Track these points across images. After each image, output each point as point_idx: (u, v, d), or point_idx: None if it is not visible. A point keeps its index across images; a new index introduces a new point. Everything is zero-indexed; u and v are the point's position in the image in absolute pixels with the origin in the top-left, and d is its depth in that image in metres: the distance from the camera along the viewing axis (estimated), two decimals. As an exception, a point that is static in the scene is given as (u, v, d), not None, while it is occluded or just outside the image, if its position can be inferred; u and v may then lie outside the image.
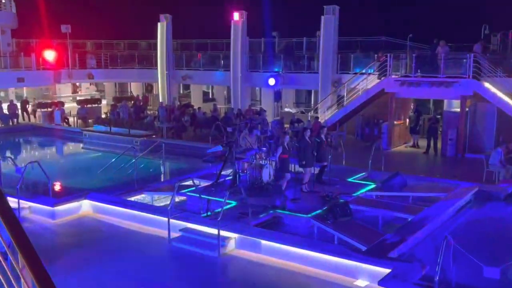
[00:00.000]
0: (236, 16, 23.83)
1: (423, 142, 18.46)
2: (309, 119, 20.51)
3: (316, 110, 22.11)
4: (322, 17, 21.32)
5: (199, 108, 23.72)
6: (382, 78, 18.85)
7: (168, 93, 26.64)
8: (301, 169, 11.89)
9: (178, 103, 27.14)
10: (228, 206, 9.95)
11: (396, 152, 17.91)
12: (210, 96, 31.23)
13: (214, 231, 8.50)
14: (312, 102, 26.58)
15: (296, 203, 10.50)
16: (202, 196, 9.98)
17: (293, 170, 11.96)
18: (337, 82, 21.07)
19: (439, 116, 19.12)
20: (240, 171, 11.63)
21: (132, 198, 11.16)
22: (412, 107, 19.00)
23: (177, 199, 11.25)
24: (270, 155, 12.06)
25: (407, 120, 19.06)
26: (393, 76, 18.37)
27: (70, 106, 26.28)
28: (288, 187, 11.17)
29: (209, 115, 22.80)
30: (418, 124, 18.71)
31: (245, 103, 24.33)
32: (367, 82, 19.60)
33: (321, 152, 11.82)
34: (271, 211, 9.86)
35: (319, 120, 19.75)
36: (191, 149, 16.87)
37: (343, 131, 19.89)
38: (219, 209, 8.69)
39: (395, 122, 18.74)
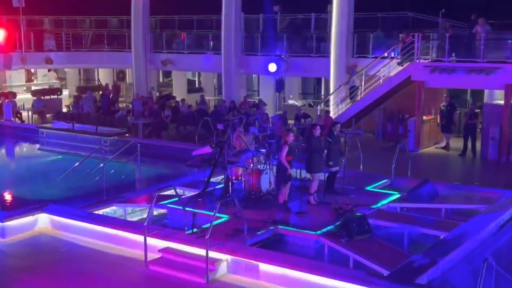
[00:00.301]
0: (228, -14, 23.86)
1: (458, 143, 18.52)
2: (318, 113, 20.52)
3: (327, 103, 22.13)
4: (335, -12, 21.38)
5: (182, 100, 23.74)
6: (408, 64, 18.88)
7: (144, 82, 26.65)
8: (307, 175, 11.90)
9: (157, 94, 27.15)
10: (219, 221, 9.95)
11: (426, 154, 17.94)
12: (197, 86, 31.22)
13: (201, 251, 8.50)
14: (323, 93, 26.58)
15: (302, 217, 10.49)
16: (187, 208, 9.99)
17: (298, 177, 11.97)
18: (353, 68, 21.08)
19: (478, 110, 19.13)
20: (233, 178, 11.63)
21: (100, 211, 11.18)
22: (444, 99, 19.01)
23: (155, 212, 11.28)
24: (271, 158, 12.06)
25: (439, 115, 19.07)
26: (421, 61, 18.39)
27: (24, 98, 26.23)
28: (292, 198, 11.18)
29: (195, 108, 22.79)
30: (452, 120, 18.72)
31: (239, 94, 24.35)
32: (390, 68, 19.63)
33: (333, 155, 11.83)
34: (272, 227, 9.86)
35: (331, 115, 19.76)
36: (173, 151, 16.87)
37: (360, 129, 19.92)
38: (208, 225, 8.68)
39: (424, 118, 18.75)
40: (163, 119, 20.98)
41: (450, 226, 9.88)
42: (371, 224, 9.59)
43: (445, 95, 19.27)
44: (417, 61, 18.39)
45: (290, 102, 25.32)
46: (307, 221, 10.28)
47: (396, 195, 11.94)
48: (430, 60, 18.42)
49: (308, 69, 22.90)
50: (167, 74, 31.63)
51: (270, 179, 11.67)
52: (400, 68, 19.27)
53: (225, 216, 10.35)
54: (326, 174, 11.93)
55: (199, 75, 31.06)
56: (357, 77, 20.77)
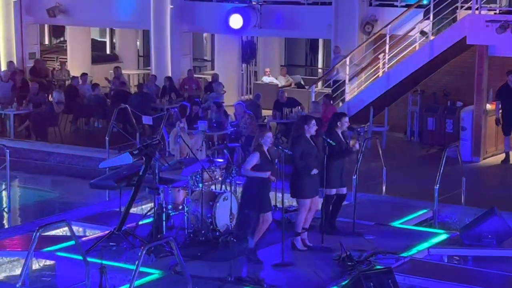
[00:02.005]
0: None
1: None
2: (313, 99, 20.54)
3: (327, 82, 22.18)
4: None
5: (83, 75, 23.54)
6: (461, 17, 19.00)
7: (19, 45, 26.30)
8: (294, 203, 11.87)
9: (41, 67, 26.81)
10: (145, 280, 9.90)
11: (491, 167, 18.08)
12: (108, 52, 30.92)
13: (114, 332, 8.42)
14: (320, 66, 26.65)
15: (285, 272, 10.49)
16: (90, 259, 9.88)
17: (278, 204, 11.94)
18: (371, 23, 21.18)
19: None
20: (169, 206, 11.58)
21: None
22: (508, 77, 19.06)
23: (36, 265, 11.15)
24: (233, 173, 12.02)
25: (497, 104, 19.11)
26: (483, 13, 18.57)
27: None
28: (268, 240, 11.15)
29: (105, 91, 22.59)
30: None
31: (181, 66, 24.31)
32: (431, 25, 19.79)
33: (336, 168, 11.86)
34: (234, 290, 9.85)
35: (333, 102, 19.81)
36: (67, 161, 16.72)
37: (382, 125, 20.02)
38: (127, 286, 8.54)
39: (487, 107, 18.91)
40: (50, 107, 20.76)
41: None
42: (400, 283, 9.60)
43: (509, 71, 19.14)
44: (476, 12, 18.56)
45: (267, 80, 25.32)
46: (294, 279, 10.25)
47: (442, 235, 12.02)
48: (498, 11, 18.55)
49: (296, 25, 22.93)
50: (58, 32, 31.25)
51: (232, 209, 11.63)
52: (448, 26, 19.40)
53: (156, 271, 10.28)
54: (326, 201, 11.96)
55: (112, 33, 30.80)
56: (342, 66, 20.73)
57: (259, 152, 10.75)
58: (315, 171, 11.28)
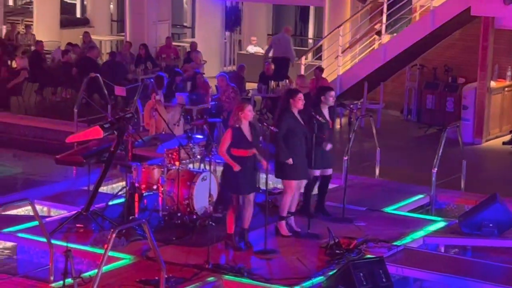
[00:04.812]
0: None
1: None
2: (302, 73, 20.51)
3: (318, 53, 22.15)
4: None
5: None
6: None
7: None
8: (279, 184, 11.87)
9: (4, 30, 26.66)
10: (114, 265, 9.92)
11: (494, 150, 18.14)
12: (79, 15, 30.75)
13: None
14: (311, 35, 26.59)
15: (267, 260, 10.54)
16: (54, 242, 9.87)
17: (262, 186, 11.95)
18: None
19: None
20: (142, 187, 11.58)
21: None
22: None
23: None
24: (213, 150, 12.02)
25: None
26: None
27: None
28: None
29: (75, 57, 22.49)
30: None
31: (157, 32, 24.24)
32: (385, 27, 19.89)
33: (323, 148, 11.86)
34: (212, 278, 9.86)
35: (325, 75, 19.81)
36: (32, 134, 16.74)
37: (377, 102, 20.04)
38: (94, 272, 8.56)
39: (492, 84, 18.96)
40: (9, 76, 20.66)
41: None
42: (392, 274, 9.64)
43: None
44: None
45: (252, 50, 25.26)
46: (277, 267, 10.29)
47: (439, 223, 12.06)
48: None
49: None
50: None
51: (211, 190, 11.65)
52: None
53: (127, 256, 10.29)
54: (315, 183, 11.99)
55: (84, -4, 30.68)
56: (371, 10, 20.82)
57: (232, 130, 10.71)
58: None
